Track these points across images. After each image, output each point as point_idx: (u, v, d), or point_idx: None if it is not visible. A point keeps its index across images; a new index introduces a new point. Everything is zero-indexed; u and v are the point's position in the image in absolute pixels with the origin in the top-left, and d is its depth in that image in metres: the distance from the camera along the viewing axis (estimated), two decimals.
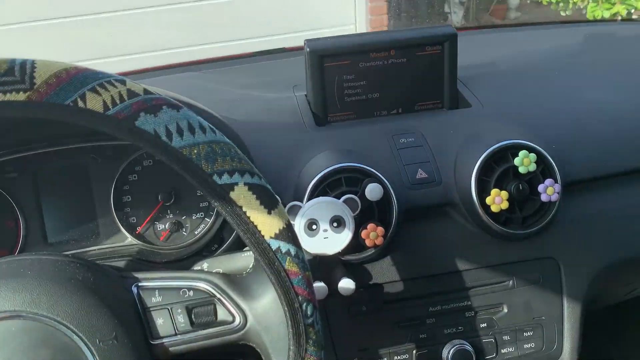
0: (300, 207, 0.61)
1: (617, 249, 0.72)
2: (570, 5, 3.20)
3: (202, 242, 0.69)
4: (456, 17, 4.26)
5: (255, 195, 0.44)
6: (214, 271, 0.56)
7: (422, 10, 4.09)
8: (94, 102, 0.41)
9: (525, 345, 0.71)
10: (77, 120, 0.42)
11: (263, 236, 0.44)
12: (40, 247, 0.67)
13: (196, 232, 0.70)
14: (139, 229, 0.69)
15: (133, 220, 0.69)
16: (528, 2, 3.88)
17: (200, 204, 0.70)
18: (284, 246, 0.45)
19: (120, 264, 0.63)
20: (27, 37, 2.74)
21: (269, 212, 0.45)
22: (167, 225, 0.70)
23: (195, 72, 0.96)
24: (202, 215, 0.71)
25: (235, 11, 2.96)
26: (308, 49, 0.75)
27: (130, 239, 0.69)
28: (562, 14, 3.44)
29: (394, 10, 3.59)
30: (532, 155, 0.65)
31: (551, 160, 0.66)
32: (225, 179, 0.43)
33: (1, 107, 0.41)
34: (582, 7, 3.14)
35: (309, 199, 0.64)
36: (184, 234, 0.70)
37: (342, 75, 0.77)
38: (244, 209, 0.44)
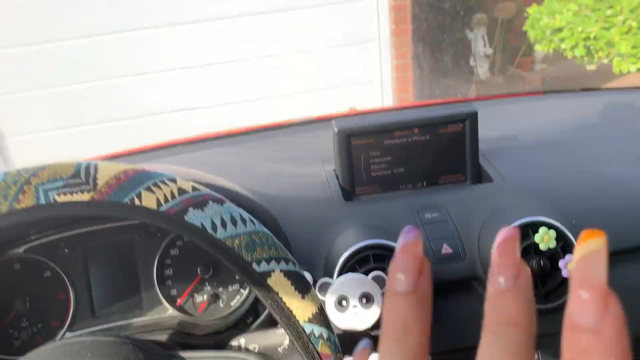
0: (330, 284, 0.65)
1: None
2: (595, 59, 3.24)
3: (238, 314, 0.73)
4: (482, 70, 4.34)
5: (290, 281, 0.48)
6: (250, 347, 0.60)
7: (447, 65, 4.18)
8: (148, 200, 0.47)
9: None
10: (133, 217, 0.47)
11: (297, 320, 0.48)
12: (89, 319, 0.72)
13: (232, 304, 0.74)
14: (179, 301, 0.74)
15: (174, 292, 0.74)
16: (552, 55, 3.93)
17: (235, 276, 0.75)
18: (317, 329, 0.49)
19: (163, 336, 0.67)
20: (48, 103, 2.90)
21: (303, 297, 0.49)
22: (205, 297, 0.74)
23: (228, 147, 1.02)
24: (237, 287, 0.75)
25: (260, 69, 3.08)
26: (336, 129, 0.80)
27: (171, 311, 0.73)
28: (588, 67, 3.49)
29: (419, 66, 3.68)
30: (552, 232, 0.68)
31: (571, 236, 0.69)
32: (263, 266, 0.48)
33: (68, 206, 0.46)
34: (607, 61, 3.17)
35: (339, 275, 0.68)
36: (220, 305, 0.74)
37: (368, 152, 0.82)
38: (280, 295, 0.48)
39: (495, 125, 0.96)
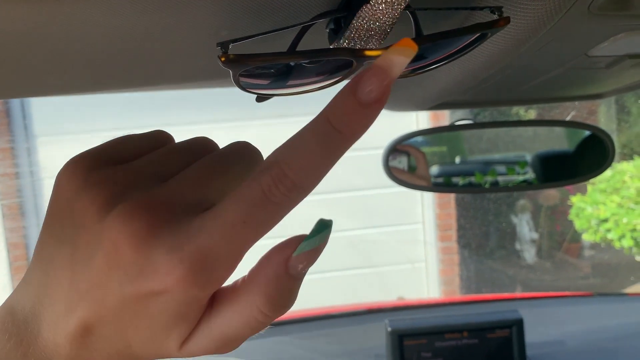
0: None
1: None
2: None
3: None
4: (528, 254, 4.34)
5: None
6: None
7: (493, 248, 4.20)
8: None
9: None
10: None
11: None
12: None
13: None
14: None
15: None
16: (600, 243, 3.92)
17: None
18: None
19: None
20: None
21: None
22: None
23: (282, 335, 1.07)
24: None
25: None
26: (389, 329, 0.85)
27: None
28: (638, 258, 3.45)
29: (464, 248, 3.72)
30: None
31: None
32: None
33: None
34: None
35: None
36: None
37: (420, 353, 0.86)
38: None
39: (543, 329, 0.98)
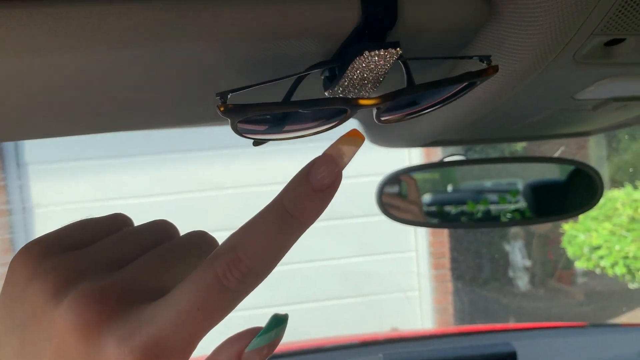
0: None
1: None
2: (637, 278, 3.23)
3: None
4: (521, 282, 4.33)
5: None
6: None
7: (486, 276, 4.20)
8: None
9: None
10: None
11: None
12: None
13: None
14: None
15: None
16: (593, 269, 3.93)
17: None
18: None
19: None
20: None
21: None
22: None
23: None
24: None
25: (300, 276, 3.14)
26: None
27: None
28: (630, 286, 3.46)
29: (457, 277, 3.71)
30: None
31: None
32: None
33: None
34: None
35: None
36: None
37: None
38: None
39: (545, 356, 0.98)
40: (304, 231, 0.24)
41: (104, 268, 0.24)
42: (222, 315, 0.23)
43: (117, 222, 0.28)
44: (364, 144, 0.25)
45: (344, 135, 0.25)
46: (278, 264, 0.23)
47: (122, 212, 0.30)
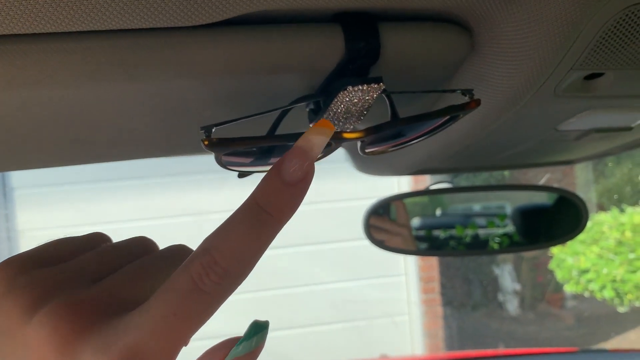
0: None
1: None
2: (626, 302, 3.23)
3: None
4: (511, 305, 4.32)
5: None
6: None
7: (476, 300, 4.18)
8: None
9: None
10: None
11: None
12: None
13: None
14: None
15: None
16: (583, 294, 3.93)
17: None
18: None
19: None
20: None
21: None
22: None
23: None
24: None
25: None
26: None
27: None
28: (619, 309, 3.46)
29: (447, 301, 3.70)
30: None
31: None
32: None
33: None
34: (638, 304, 3.17)
35: None
36: None
37: None
38: None
39: None
40: (280, 228, 0.23)
41: (79, 283, 0.23)
42: (201, 320, 0.22)
43: (95, 240, 0.28)
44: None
45: (313, 126, 0.24)
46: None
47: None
